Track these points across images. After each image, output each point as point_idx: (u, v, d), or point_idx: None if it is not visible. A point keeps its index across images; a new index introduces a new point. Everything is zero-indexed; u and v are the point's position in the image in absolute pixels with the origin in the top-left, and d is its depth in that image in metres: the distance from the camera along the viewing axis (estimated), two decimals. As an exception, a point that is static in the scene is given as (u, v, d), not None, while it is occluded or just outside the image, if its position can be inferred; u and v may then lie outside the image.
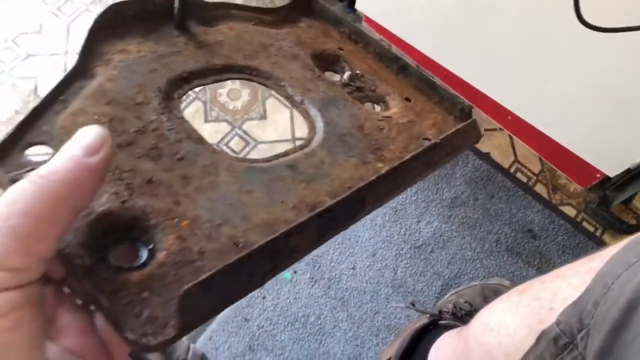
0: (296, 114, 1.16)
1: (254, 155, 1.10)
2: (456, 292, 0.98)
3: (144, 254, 0.28)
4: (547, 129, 1.00)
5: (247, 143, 1.11)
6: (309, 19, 0.48)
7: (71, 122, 0.32)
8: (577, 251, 1.06)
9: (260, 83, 0.41)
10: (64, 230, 0.23)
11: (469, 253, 1.04)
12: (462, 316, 0.88)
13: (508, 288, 0.96)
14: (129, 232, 0.29)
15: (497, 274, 1.03)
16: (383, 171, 0.34)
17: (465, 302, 0.91)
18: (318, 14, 0.48)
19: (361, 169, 0.36)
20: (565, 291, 0.52)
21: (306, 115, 0.40)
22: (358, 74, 0.44)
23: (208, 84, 0.39)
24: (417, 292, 1.00)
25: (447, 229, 1.06)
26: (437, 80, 0.39)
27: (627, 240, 0.49)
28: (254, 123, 1.13)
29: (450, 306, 0.90)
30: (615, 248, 0.49)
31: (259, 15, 0.45)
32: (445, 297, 0.98)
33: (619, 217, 1.07)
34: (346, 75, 0.44)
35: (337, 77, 0.45)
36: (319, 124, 0.38)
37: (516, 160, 1.14)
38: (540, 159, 1.14)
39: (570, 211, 1.10)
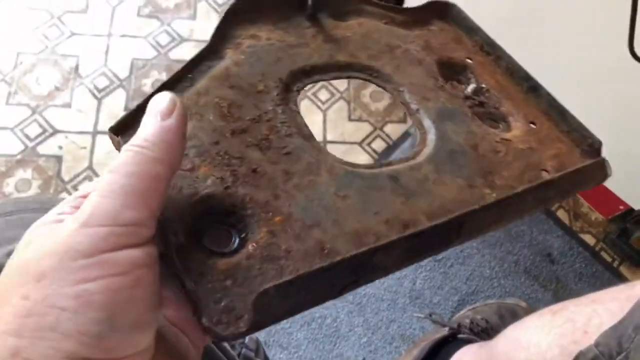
0: (329, 117, 1.17)
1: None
2: (472, 309, 0.99)
3: (236, 241, 0.29)
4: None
5: (279, 141, 1.12)
6: (441, 22, 0.46)
7: (194, 102, 0.33)
8: (593, 280, 1.07)
9: (379, 85, 0.40)
10: (166, 187, 0.26)
11: (488, 271, 1.05)
12: (479, 332, 0.89)
13: (524, 309, 0.97)
14: (226, 217, 0.30)
15: (513, 294, 1.04)
16: (490, 200, 0.32)
17: (482, 319, 0.92)
18: (452, 19, 0.46)
19: (466, 192, 0.34)
20: (602, 315, 0.53)
21: (419, 126, 0.38)
22: (483, 88, 0.42)
23: (328, 79, 0.39)
24: (433, 304, 1.02)
25: (467, 246, 1.07)
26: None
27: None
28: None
29: (468, 321, 0.91)
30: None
31: (391, 14, 0.44)
32: (461, 312, 0.99)
33: (638, 250, 1.08)
34: (470, 87, 0.41)
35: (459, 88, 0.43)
36: (431, 137, 0.36)
37: (541, 185, 1.15)
38: (564, 185, 1.15)
39: (589, 240, 1.11)
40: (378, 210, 0.31)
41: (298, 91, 0.37)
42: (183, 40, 1.21)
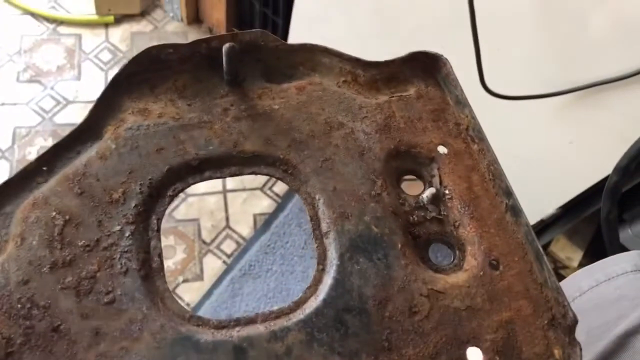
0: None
1: (182, 210, 1.09)
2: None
3: None
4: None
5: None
6: (424, 83, 0.34)
7: (26, 216, 0.27)
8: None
9: (291, 187, 0.30)
10: None
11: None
12: None
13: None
14: None
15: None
16: None
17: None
18: (441, 81, 0.34)
19: None
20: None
21: (321, 258, 0.28)
22: (446, 195, 0.31)
23: (223, 177, 0.30)
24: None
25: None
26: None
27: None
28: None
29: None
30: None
31: (356, 69, 0.33)
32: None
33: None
34: (428, 192, 0.30)
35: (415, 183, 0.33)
36: (328, 280, 0.27)
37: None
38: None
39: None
40: None
41: (172, 197, 0.28)
42: (69, 102, 1.17)
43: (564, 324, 0.27)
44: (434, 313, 0.27)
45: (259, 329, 0.26)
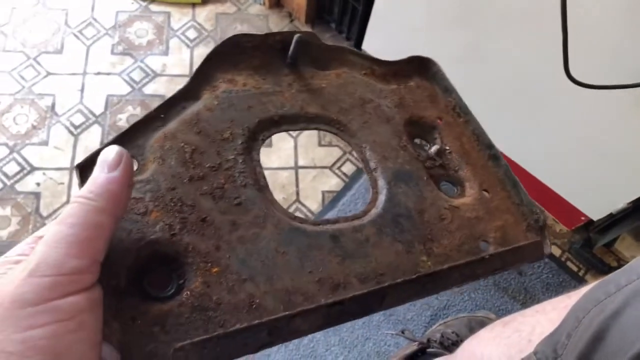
0: (300, 142, 1.21)
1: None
2: (444, 323, 1.02)
3: (174, 287, 0.31)
4: (537, 173, 1.06)
5: (252, 169, 1.16)
6: (420, 78, 0.46)
7: (160, 145, 0.35)
8: (560, 289, 1.11)
9: (343, 139, 0.41)
10: (109, 235, 0.28)
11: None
12: (449, 345, 0.92)
13: (493, 321, 1.00)
14: (169, 263, 0.31)
15: (483, 307, 1.08)
16: (422, 271, 0.35)
17: (453, 332, 0.96)
18: (431, 76, 0.47)
19: (402, 257, 0.36)
20: (544, 325, 0.57)
21: (374, 185, 0.39)
22: (446, 150, 0.43)
23: (296, 130, 0.40)
24: (407, 320, 1.05)
25: (438, 262, 1.10)
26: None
27: (599, 280, 0.54)
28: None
29: (438, 335, 0.94)
30: (589, 286, 0.54)
31: (373, 65, 0.45)
32: (434, 326, 1.02)
33: (601, 258, 1.13)
34: (434, 148, 0.42)
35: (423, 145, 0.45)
36: (382, 198, 0.38)
37: (506, 199, 1.19)
38: (529, 199, 1.19)
39: (555, 250, 1.15)
40: (313, 269, 0.33)
41: (263, 140, 0.38)
42: (156, 75, 1.25)
43: (536, 227, 0.41)
44: (455, 220, 0.39)
45: (344, 225, 0.36)
